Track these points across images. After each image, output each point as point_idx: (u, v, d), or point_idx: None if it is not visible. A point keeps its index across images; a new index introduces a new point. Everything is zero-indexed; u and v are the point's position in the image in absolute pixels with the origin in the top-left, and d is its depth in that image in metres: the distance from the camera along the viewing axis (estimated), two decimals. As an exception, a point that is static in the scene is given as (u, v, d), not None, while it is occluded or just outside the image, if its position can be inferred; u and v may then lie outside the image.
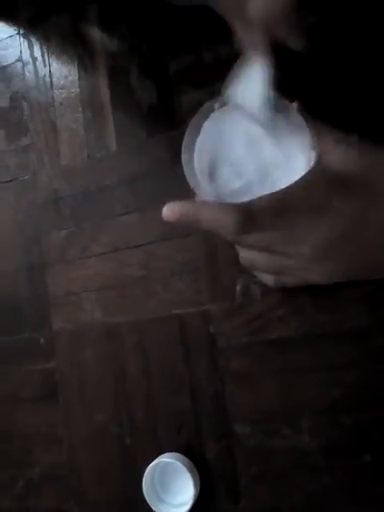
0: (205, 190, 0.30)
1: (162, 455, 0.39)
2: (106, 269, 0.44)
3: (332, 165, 0.27)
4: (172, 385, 0.41)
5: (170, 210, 0.25)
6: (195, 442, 0.40)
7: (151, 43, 0.45)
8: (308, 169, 0.27)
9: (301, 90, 0.33)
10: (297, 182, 0.26)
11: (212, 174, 0.31)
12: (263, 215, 0.24)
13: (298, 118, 0.29)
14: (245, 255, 0.31)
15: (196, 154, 0.31)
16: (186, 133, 0.32)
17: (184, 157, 0.31)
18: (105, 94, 0.47)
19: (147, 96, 0.45)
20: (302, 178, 0.27)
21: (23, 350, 0.46)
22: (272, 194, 0.25)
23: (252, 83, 0.30)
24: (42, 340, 0.46)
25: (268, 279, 0.34)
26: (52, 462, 0.45)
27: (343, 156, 0.27)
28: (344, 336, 0.36)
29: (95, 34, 0.48)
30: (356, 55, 0.37)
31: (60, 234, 0.47)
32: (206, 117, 0.32)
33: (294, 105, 0.30)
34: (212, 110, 0.32)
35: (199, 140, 0.32)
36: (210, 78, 0.42)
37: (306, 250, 0.26)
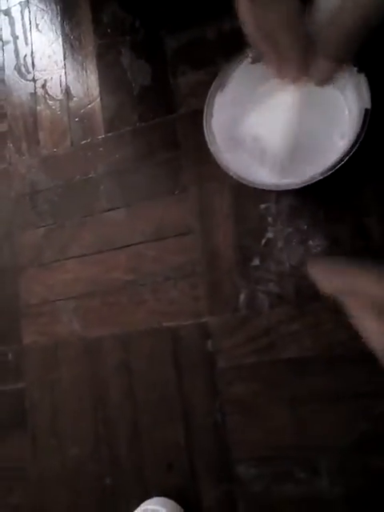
0: (221, 149, 0.30)
1: (148, 501, 0.34)
2: (88, 273, 0.39)
3: None
4: (162, 414, 0.36)
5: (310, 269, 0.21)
6: (188, 486, 0.34)
7: (146, 19, 0.41)
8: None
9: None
10: None
11: (232, 134, 0.30)
12: None
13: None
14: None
15: (215, 110, 0.30)
16: (212, 85, 0.31)
17: (206, 110, 0.30)
18: (93, 75, 0.42)
19: (140, 77, 0.40)
20: None
21: (-13, 368, 0.41)
22: None
23: None
24: (10, 356, 0.41)
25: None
26: (17, 504, 0.39)
27: None
28: (371, 357, 0.30)
29: (83, 9, 0.43)
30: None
31: (36, 232, 0.41)
32: (235, 69, 0.31)
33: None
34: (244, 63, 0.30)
35: (222, 94, 0.31)
36: (212, 57, 0.37)
37: None
